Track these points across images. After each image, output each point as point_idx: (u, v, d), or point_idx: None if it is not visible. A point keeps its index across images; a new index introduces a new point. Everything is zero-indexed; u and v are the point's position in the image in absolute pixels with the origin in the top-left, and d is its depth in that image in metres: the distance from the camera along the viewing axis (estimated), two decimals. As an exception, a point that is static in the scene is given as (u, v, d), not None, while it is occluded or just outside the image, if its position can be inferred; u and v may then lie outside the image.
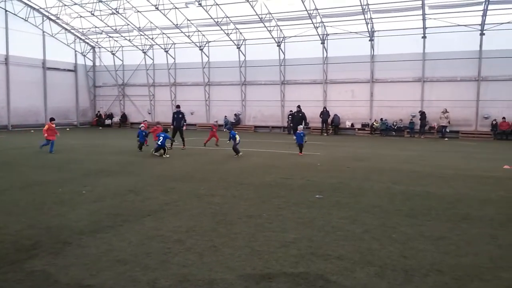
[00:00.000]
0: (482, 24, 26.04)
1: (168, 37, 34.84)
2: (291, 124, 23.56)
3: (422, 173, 11.65)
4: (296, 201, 7.95)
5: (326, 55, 30.88)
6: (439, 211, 7.28)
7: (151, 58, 37.17)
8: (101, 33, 36.08)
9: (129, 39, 35.91)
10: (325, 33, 30.48)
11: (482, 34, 26.24)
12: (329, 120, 30.17)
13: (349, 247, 5.30)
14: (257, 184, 9.77)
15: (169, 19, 30.68)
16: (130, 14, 31.41)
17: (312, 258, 4.90)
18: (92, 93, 40.53)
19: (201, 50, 34.57)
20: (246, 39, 33.27)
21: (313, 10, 27.40)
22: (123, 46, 37.95)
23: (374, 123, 29.45)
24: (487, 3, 24.31)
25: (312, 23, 28.75)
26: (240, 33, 32.61)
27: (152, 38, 35.29)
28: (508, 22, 24.97)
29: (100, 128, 36.61)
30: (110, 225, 6.23)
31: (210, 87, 35.43)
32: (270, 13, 28.62)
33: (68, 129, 32.26)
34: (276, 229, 6.09)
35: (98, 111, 40.05)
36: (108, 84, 39.67)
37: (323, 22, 29.24)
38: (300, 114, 24.36)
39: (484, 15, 25.44)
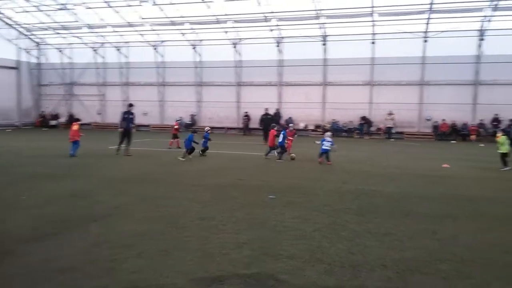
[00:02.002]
0: (426, 31, 27.58)
1: (121, 35, 33.85)
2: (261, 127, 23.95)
3: (370, 173, 12.15)
4: (250, 202, 8.03)
5: (281, 57, 31.35)
6: (385, 208, 7.64)
7: (101, 57, 35.95)
8: (48, 29, 34.41)
9: (78, 36, 34.55)
10: (280, 36, 30.94)
11: (425, 40, 27.78)
12: (282, 122, 30.60)
13: (300, 246, 5.45)
14: (212, 186, 9.75)
15: (121, 17, 29.85)
16: (80, 10, 30.19)
17: (264, 258, 4.98)
18: (37, 92, 38.50)
19: (155, 49, 33.93)
20: (202, 40, 33.05)
21: (269, 13, 27.75)
22: (71, 44, 36.41)
23: (326, 124, 30.26)
24: (430, 12, 25.76)
25: (268, 25, 29.12)
26: (196, 33, 32.35)
27: (103, 35, 34.16)
28: (449, 30, 26.57)
29: (45, 129, 34.80)
30: (54, 232, 5.94)
31: (164, 87, 34.85)
32: (227, 14, 28.63)
33: (9, 130, 30.44)
34: (229, 230, 6.12)
35: (43, 111, 38.06)
36: (54, 83, 37.85)
37: (278, 25, 29.66)
38: (269, 116, 24.68)
39: (427, 23, 26.95)
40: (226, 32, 31.01)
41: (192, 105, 34.01)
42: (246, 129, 31.86)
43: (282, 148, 15.20)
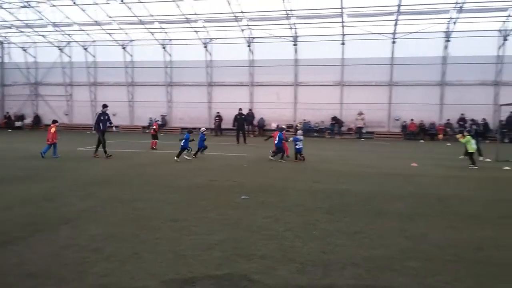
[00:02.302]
0: (394, 33, 28.28)
1: (87, 33, 33.00)
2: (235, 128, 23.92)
3: (341, 172, 12.32)
4: (222, 203, 7.96)
5: (253, 57, 31.39)
6: (355, 207, 7.74)
7: (68, 56, 34.94)
8: (11, 28, 33.11)
9: (43, 35, 33.45)
10: (251, 36, 30.97)
11: (394, 42, 28.48)
12: (255, 122, 30.72)
13: (272, 246, 5.43)
14: (184, 187, 9.62)
15: (88, 15, 29.09)
16: (45, 8, 29.20)
17: (236, 259, 4.94)
18: (0, 93, 37.01)
19: (124, 48, 33.29)
20: (172, 39, 32.68)
21: (239, 13, 27.72)
22: (36, 42, 35.21)
23: (298, 124, 30.50)
24: (398, 13, 26.42)
25: (239, 25, 29.09)
26: (166, 32, 31.94)
27: (69, 34, 33.20)
28: (416, 32, 27.35)
29: (10, 130, 33.55)
30: (20, 236, 5.72)
31: (134, 88, 34.23)
32: (196, 14, 28.40)
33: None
34: (201, 232, 6.04)
35: (7, 112, 36.65)
36: (19, 82, 36.50)
37: (249, 25, 29.67)
38: (243, 116, 24.62)
39: (395, 25, 27.64)
40: (196, 31, 30.77)
41: (163, 106, 33.59)
42: (218, 130, 31.72)
43: (279, 150, 15.22)
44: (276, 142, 15.29)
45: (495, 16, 26.03)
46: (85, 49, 34.15)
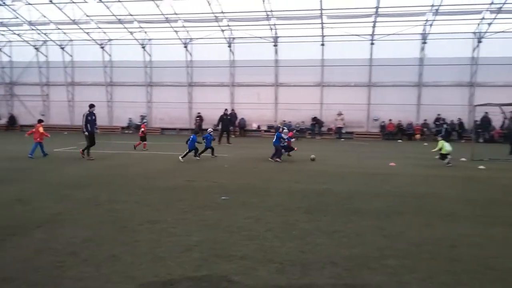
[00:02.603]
0: (372, 34, 28.69)
1: (65, 33, 32.32)
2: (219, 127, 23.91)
3: (321, 172, 12.41)
4: (202, 204, 7.91)
5: (233, 58, 31.34)
6: (335, 206, 7.82)
7: (44, 55, 34.15)
8: (-16, 26, 32.20)
9: (19, 34, 32.60)
10: (232, 36, 30.92)
11: (372, 43, 28.89)
12: (237, 122, 30.66)
13: (252, 246, 5.43)
14: (162, 188, 9.53)
15: (65, 14, 28.49)
16: (20, 6, 28.46)
17: (216, 260, 4.92)
18: (-27, 92, 35.95)
19: (102, 48, 32.75)
20: (152, 39, 32.32)
21: (220, 13, 27.63)
22: (11, 41, 34.28)
23: (279, 125, 30.59)
24: (376, 15, 26.81)
25: (219, 26, 29.00)
26: (145, 32, 31.58)
27: (46, 33, 32.47)
28: (394, 34, 27.81)
29: (-16, 131, 32.62)
30: (-6, 240, 5.57)
31: (112, 88, 33.71)
32: (176, 14, 28.17)
33: None
34: (180, 233, 5.99)
35: (-19, 113, 35.63)
36: (-8, 82, 35.52)
37: (229, 26, 29.61)
38: (229, 117, 24.55)
39: (373, 26, 28.04)
40: (176, 31, 30.53)
41: (142, 106, 33.16)
42: (199, 130, 31.51)
43: (277, 149, 15.26)
44: (274, 141, 15.41)
45: (470, 19, 26.69)
46: (62, 48, 33.43)
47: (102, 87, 33.51)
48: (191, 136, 15.30)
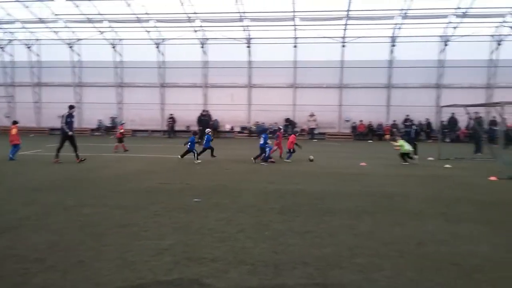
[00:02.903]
0: (344, 37, 29.18)
1: (31, 32, 31.29)
2: (200, 128, 23.66)
3: (293, 172, 12.51)
4: (174, 206, 7.82)
5: (206, 59, 31.19)
6: (307, 207, 7.88)
7: (9, 55, 32.95)
8: None
9: (-19, 32, 31.41)
10: (205, 37, 30.76)
11: (343, 45, 29.38)
12: (210, 124, 30.49)
13: (224, 248, 5.40)
14: (134, 190, 9.35)
15: (32, 12, 27.59)
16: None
17: (187, 263, 4.86)
18: None
19: (71, 47, 31.91)
20: (123, 39, 31.75)
21: (192, 13, 27.45)
22: (-27, 40, 32.97)
23: (252, 126, 30.69)
24: (347, 18, 27.28)
25: (192, 26, 28.79)
26: (116, 32, 30.98)
27: (12, 32, 31.34)
28: (364, 36, 28.37)
29: None
30: (-48, 248, 5.31)
31: (81, 88, 32.90)
32: (148, 13, 27.80)
33: None
34: (151, 236, 5.89)
35: None
36: (-47, 82, 33.99)
37: (202, 26, 29.46)
38: (207, 118, 24.37)
39: (345, 29, 28.52)
40: (148, 31, 30.10)
41: (113, 107, 32.51)
42: (171, 132, 31.20)
43: (263, 151, 15.17)
44: (261, 142, 15.32)
45: (437, 23, 27.56)
46: (29, 47, 32.38)
47: (70, 87, 32.68)
48: (190, 138, 15.41)
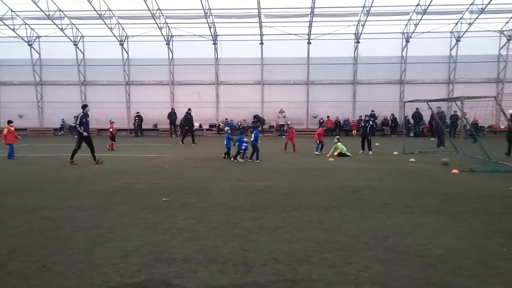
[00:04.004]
0: (309, 34, 29.48)
1: (-14, 28, 29.83)
2: (186, 128, 23.22)
3: (263, 169, 12.54)
4: (141, 206, 7.66)
5: (172, 56, 30.76)
6: (276, 203, 7.92)
7: (-37, 53, 31.31)
8: None
9: None
10: (170, 34, 30.30)
11: (309, 42, 29.69)
12: (177, 122, 30.12)
13: (194, 248, 5.34)
14: (100, 191, 9.10)
15: (-14, 8, 26.30)
16: None
17: (155, 264, 4.77)
18: None
19: (30, 45, 30.66)
20: (85, 36, 30.79)
21: (156, 10, 26.97)
22: None
23: (221, 123, 30.53)
24: (312, 15, 27.57)
25: (156, 23, 28.28)
26: (77, 29, 30.01)
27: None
28: (329, 33, 28.77)
29: None
30: None
31: (42, 87, 31.69)
32: (110, 10, 27.09)
33: None
34: (118, 238, 5.75)
35: None
36: None
37: (167, 23, 29.00)
38: (190, 116, 23.95)
39: (310, 26, 28.82)
40: (111, 29, 29.33)
41: (76, 106, 31.39)
42: (138, 130, 30.59)
43: (255, 148, 14.95)
44: (252, 139, 15.13)
45: (399, 20, 28.34)
46: (-16, 45, 30.84)
47: (31, 86, 31.44)
48: (238, 137, 15.16)
